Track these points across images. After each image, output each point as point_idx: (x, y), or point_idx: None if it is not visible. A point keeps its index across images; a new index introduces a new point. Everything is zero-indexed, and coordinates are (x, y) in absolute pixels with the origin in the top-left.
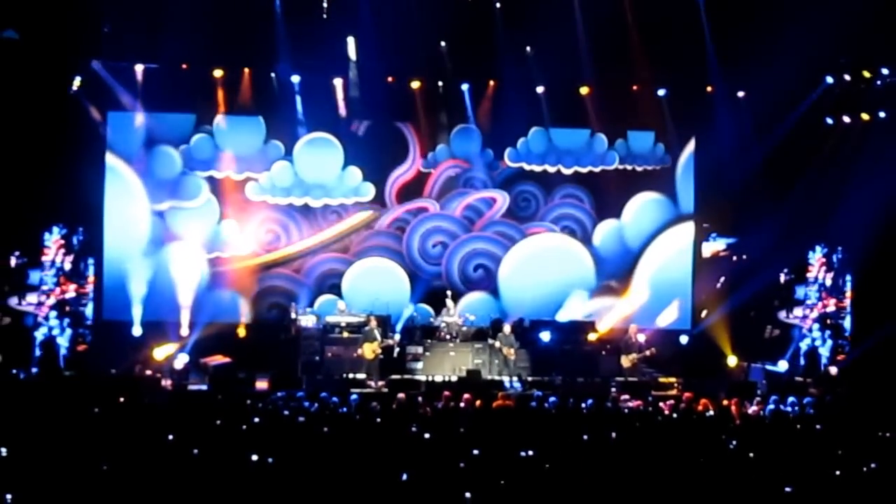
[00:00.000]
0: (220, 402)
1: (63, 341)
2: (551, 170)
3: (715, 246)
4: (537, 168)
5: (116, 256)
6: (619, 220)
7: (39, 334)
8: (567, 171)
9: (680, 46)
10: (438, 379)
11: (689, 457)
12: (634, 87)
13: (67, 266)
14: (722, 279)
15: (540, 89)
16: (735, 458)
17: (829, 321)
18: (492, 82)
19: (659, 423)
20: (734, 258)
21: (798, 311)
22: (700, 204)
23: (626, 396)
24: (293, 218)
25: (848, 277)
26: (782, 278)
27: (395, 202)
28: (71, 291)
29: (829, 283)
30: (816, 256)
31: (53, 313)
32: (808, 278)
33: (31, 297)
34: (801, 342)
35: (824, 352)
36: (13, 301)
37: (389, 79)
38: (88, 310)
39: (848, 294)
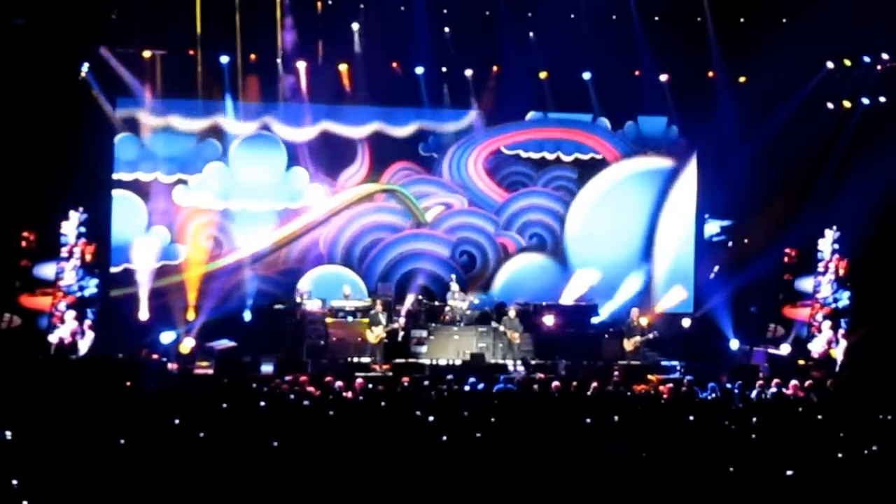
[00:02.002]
0: (226, 385)
1: (84, 345)
2: (549, 157)
3: (711, 228)
4: (535, 155)
5: (122, 241)
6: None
7: (56, 338)
8: (567, 158)
9: (681, 32)
10: (442, 362)
11: (691, 440)
12: (636, 73)
13: (88, 258)
14: (717, 267)
15: (543, 74)
16: (736, 441)
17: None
18: (495, 67)
19: (661, 407)
20: (733, 243)
21: (805, 310)
22: (703, 189)
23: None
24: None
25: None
26: (786, 272)
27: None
28: (92, 287)
29: (841, 273)
30: (826, 242)
31: (72, 314)
32: (817, 269)
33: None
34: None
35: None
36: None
37: (394, 64)
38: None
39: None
